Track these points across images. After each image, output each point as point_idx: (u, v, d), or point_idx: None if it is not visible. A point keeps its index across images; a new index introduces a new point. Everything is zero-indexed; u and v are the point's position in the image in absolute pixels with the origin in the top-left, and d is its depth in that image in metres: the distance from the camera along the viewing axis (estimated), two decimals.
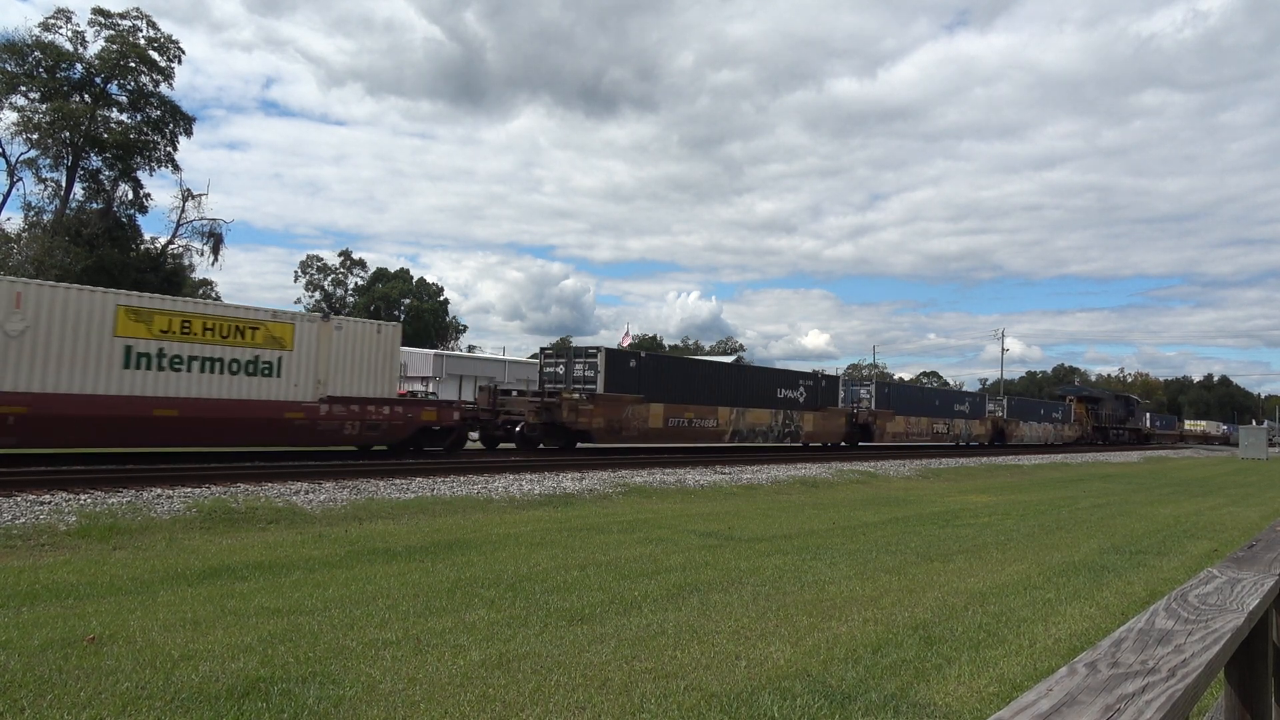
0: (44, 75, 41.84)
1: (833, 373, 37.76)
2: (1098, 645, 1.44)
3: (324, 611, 6.17)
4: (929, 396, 44.08)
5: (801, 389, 33.22)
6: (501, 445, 23.73)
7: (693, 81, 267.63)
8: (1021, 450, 43.84)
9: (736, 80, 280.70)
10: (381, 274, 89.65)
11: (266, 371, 17.83)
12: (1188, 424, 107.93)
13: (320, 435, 18.67)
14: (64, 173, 42.73)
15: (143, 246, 46.58)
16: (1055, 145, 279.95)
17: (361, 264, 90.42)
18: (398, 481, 14.58)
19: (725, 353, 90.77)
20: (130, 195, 45.46)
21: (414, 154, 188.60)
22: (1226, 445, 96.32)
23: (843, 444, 35.33)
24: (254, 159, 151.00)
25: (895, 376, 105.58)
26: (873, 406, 37.12)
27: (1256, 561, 2.36)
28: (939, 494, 18.70)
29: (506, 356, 56.25)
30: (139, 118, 44.81)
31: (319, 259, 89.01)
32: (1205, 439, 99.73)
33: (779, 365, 61.80)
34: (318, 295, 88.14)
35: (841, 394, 36.44)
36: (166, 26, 45.05)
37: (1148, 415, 76.39)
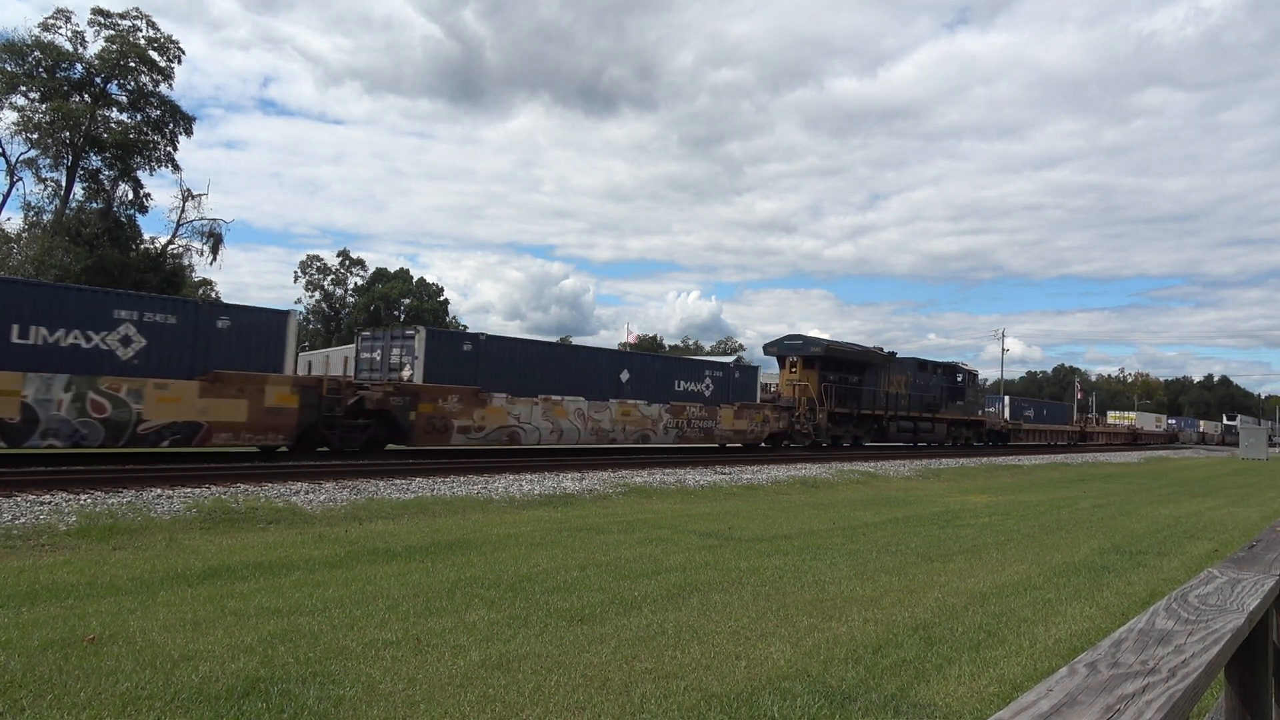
0: (44, 75, 41.82)
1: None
2: (1098, 645, 1.44)
3: (324, 612, 6.17)
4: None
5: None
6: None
7: (692, 80, 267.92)
8: (1027, 451, 42.15)
9: (736, 79, 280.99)
10: (381, 274, 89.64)
11: None
12: (1112, 416, 79.27)
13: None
14: (64, 173, 42.72)
15: (142, 246, 46.56)
16: (1056, 145, 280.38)
17: (361, 264, 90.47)
18: (398, 482, 14.57)
19: (725, 353, 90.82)
20: (130, 195, 45.47)
21: (413, 153, 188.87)
22: (1174, 444, 74.36)
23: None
24: (252, 158, 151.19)
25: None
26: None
27: (1257, 562, 2.36)
28: (939, 494, 18.70)
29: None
30: (139, 117, 44.79)
31: (319, 259, 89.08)
32: (1133, 437, 68.93)
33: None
34: (317, 295, 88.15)
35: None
36: (164, 25, 44.91)
37: (1005, 400, 52.65)
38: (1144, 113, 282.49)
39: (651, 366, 26.96)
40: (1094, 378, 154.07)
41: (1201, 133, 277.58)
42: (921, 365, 39.43)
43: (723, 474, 19.65)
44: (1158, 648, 1.44)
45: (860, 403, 34.54)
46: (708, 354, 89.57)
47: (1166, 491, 21.73)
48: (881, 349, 37.81)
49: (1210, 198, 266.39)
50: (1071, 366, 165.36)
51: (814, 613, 6.65)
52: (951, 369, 42.09)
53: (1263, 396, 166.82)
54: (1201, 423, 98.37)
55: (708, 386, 28.24)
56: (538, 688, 4.67)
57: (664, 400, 26.52)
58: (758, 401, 30.60)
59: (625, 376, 25.49)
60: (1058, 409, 59.72)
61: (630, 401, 25.45)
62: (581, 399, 24.00)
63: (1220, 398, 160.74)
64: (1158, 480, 26.51)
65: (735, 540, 10.44)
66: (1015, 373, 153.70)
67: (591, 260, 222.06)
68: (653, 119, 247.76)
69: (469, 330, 56.26)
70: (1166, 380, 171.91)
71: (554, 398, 23.26)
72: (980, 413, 44.07)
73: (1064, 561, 9.65)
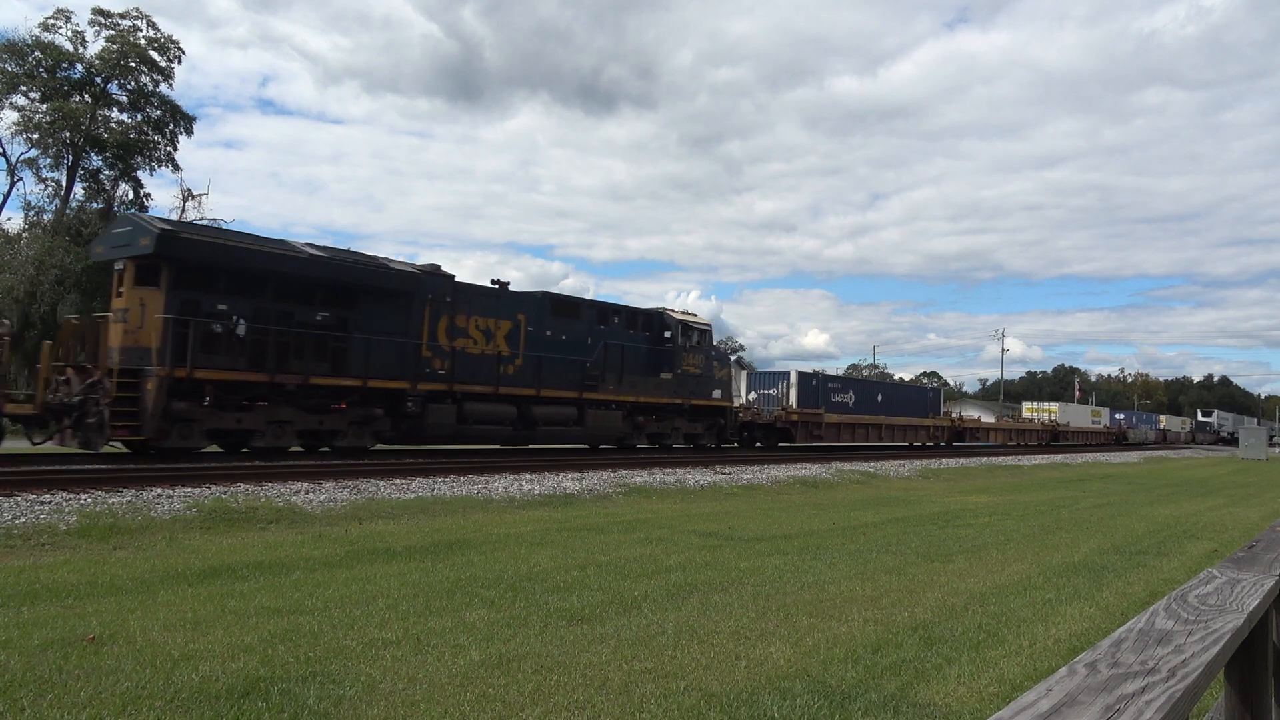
0: (44, 75, 41.81)
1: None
2: (1098, 646, 1.44)
3: (324, 611, 6.17)
4: None
5: None
6: None
7: (691, 79, 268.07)
8: (1027, 450, 41.63)
9: (736, 78, 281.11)
10: None
11: None
12: (1027, 409, 59.41)
13: None
14: (64, 172, 42.66)
15: None
16: (1056, 144, 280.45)
17: None
18: (398, 481, 14.57)
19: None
20: (131, 195, 45.42)
21: (411, 153, 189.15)
22: (1124, 445, 61.43)
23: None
24: (251, 158, 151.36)
25: (896, 377, 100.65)
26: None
27: (1256, 562, 2.36)
28: (939, 494, 18.70)
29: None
30: (139, 117, 44.79)
31: None
32: (1052, 437, 53.27)
33: (778, 367, 55.39)
34: None
35: None
36: (161, 24, 45.13)
37: (792, 377, 31.92)
38: (1144, 112, 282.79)
39: None
40: (1094, 378, 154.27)
41: (1202, 132, 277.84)
42: (565, 305, 21.90)
43: (723, 474, 19.65)
44: (1157, 648, 1.44)
45: (345, 364, 17.17)
46: None
47: (1166, 492, 21.72)
48: (436, 267, 19.50)
49: (1210, 198, 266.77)
50: (1071, 366, 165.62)
51: (814, 613, 6.65)
52: (654, 319, 24.55)
53: (1262, 396, 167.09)
54: (1162, 419, 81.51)
55: None
56: (538, 687, 4.67)
57: None
58: None
59: None
60: (911, 394, 41.53)
61: None
62: None
63: (1220, 397, 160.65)
64: (1157, 480, 26.51)
65: (735, 540, 10.44)
66: (1015, 372, 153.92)
67: (591, 260, 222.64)
68: (652, 118, 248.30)
69: None
70: (1166, 380, 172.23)
71: None
72: (718, 394, 26.29)
73: (1064, 561, 9.65)
